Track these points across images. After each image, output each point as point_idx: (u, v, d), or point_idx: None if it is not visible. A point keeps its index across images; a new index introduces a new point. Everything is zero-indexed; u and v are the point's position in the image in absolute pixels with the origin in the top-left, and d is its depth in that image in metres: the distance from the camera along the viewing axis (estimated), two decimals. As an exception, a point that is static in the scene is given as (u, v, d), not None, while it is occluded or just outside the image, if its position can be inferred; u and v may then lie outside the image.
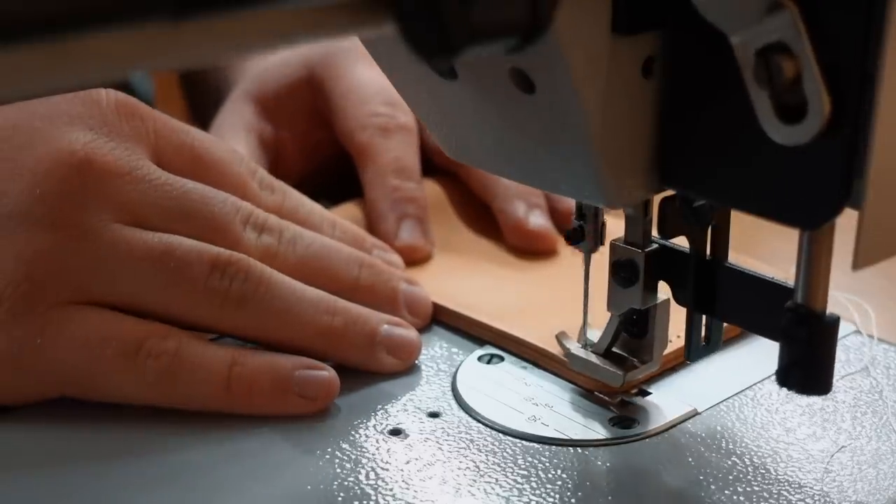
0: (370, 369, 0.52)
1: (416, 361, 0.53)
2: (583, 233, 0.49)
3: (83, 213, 0.48)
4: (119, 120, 0.50)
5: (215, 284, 0.49)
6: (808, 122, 0.34)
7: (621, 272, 0.47)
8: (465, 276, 0.59)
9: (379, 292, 0.54)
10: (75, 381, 0.48)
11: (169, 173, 0.51)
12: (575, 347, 0.50)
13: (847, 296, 0.55)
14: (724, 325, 0.48)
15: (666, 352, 0.49)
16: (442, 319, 0.56)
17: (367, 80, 0.66)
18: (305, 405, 0.49)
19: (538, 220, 0.62)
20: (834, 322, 0.40)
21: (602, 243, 0.49)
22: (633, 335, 0.48)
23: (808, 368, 0.40)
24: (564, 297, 0.52)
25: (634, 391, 0.49)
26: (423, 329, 0.55)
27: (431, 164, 0.66)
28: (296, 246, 0.53)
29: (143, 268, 0.48)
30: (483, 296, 0.57)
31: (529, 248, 0.61)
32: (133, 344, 0.47)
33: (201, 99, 0.87)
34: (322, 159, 0.70)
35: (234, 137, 0.67)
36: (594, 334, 0.49)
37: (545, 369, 0.52)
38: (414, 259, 0.60)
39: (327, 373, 0.49)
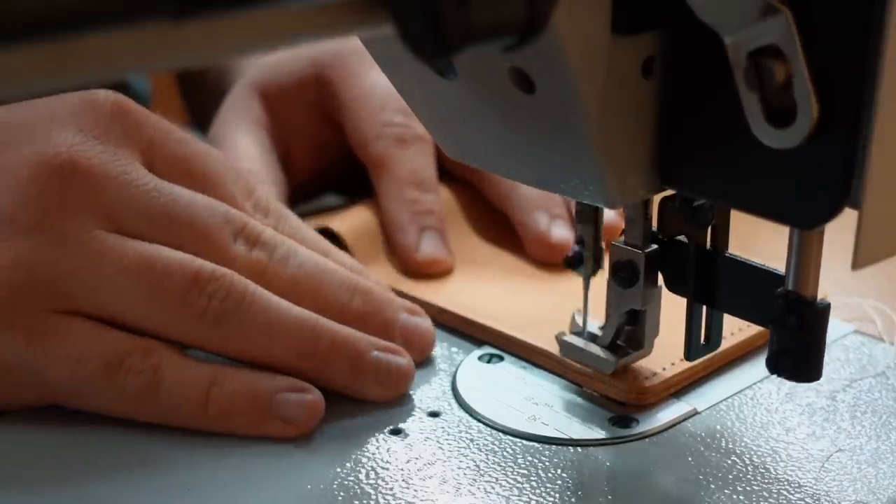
0: (355, 396, 0.50)
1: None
2: (581, 258, 0.49)
3: (64, 219, 0.47)
4: (112, 122, 0.49)
5: (194, 301, 0.47)
6: (796, 126, 0.34)
7: (621, 273, 0.47)
8: (476, 285, 0.59)
9: (370, 322, 0.51)
10: (60, 393, 0.48)
11: (159, 179, 0.49)
12: (569, 337, 0.50)
13: (870, 302, 0.54)
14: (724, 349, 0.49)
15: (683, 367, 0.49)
16: (443, 321, 0.56)
17: (379, 85, 0.64)
18: (286, 429, 0.47)
19: (561, 231, 0.60)
20: (824, 308, 0.40)
21: (601, 267, 0.49)
22: (625, 323, 0.48)
23: (798, 355, 0.41)
24: (575, 305, 0.52)
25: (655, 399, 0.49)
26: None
27: (443, 170, 0.64)
28: (288, 263, 0.50)
29: (123, 280, 0.47)
30: (494, 303, 0.56)
31: (552, 261, 0.60)
32: (115, 360, 0.47)
33: (200, 96, 0.87)
34: (329, 157, 0.69)
35: (242, 129, 0.66)
36: (594, 327, 0.50)
37: (545, 369, 0.52)
38: (435, 272, 0.59)
39: (311, 396, 0.48)
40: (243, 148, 0.64)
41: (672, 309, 0.48)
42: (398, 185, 0.61)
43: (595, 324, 0.50)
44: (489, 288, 0.58)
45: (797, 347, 0.41)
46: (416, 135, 0.63)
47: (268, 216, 0.53)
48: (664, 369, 0.49)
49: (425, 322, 0.53)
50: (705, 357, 0.50)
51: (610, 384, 0.49)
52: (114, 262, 0.47)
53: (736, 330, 0.52)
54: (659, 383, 0.49)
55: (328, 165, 0.69)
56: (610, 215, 0.58)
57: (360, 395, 0.50)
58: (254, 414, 0.47)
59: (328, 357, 0.49)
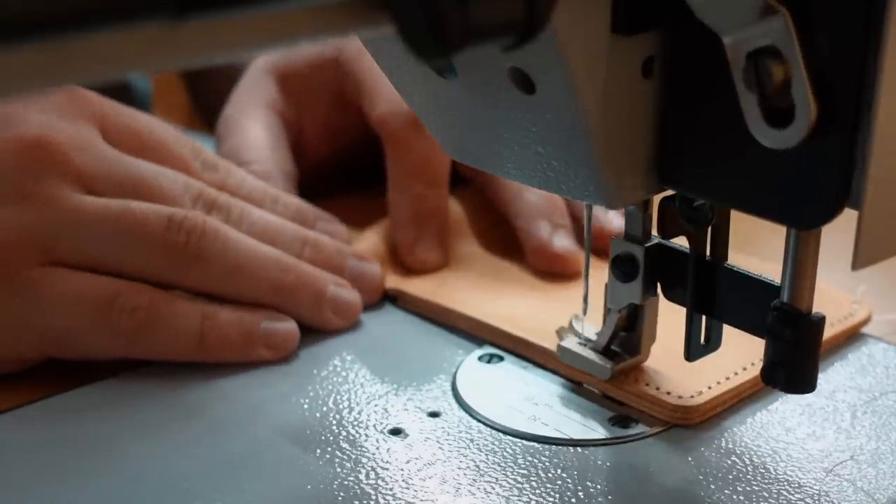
0: (317, 326, 0.55)
1: (416, 361, 0.53)
2: None
3: (43, 185, 0.50)
4: (67, 103, 0.53)
5: (173, 238, 0.51)
6: (794, 127, 0.34)
7: (621, 267, 0.47)
8: (482, 290, 0.58)
9: (322, 269, 0.56)
10: (54, 340, 0.50)
11: (120, 151, 0.53)
12: (567, 341, 0.50)
13: None
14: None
15: (726, 388, 0.49)
16: (441, 320, 0.56)
17: None
18: (271, 355, 0.52)
19: (562, 241, 0.60)
20: (819, 321, 0.40)
21: None
22: (622, 329, 0.48)
23: (793, 367, 0.41)
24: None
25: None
26: (422, 329, 0.56)
27: (452, 172, 0.63)
28: (242, 223, 0.55)
29: (103, 227, 0.51)
30: (496, 304, 0.56)
31: (552, 271, 0.60)
32: (107, 301, 0.50)
33: (207, 92, 0.87)
34: (343, 143, 0.69)
35: (253, 114, 0.67)
36: (591, 331, 0.50)
37: (546, 369, 0.52)
38: (426, 271, 0.60)
39: (289, 324, 0.53)
40: (253, 132, 0.66)
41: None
42: (407, 175, 0.62)
43: (592, 327, 0.50)
44: (494, 292, 0.58)
45: (792, 360, 0.41)
46: None
47: (217, 171, 0.59)
48: (710, 388, 0.48)
49: (373, 267, 0.58)
50: (752, 377, 0.49)
51: (654, 403, 0.48)
52: (93, 212, 0.51)
53: None
54: (704, 402, 0.48)
55: (341, 150, 0.70)
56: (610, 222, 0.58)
57: (321, 325, 0.55)
58: (245, 343, 0.52)
59: (295, 290, 0.54)
